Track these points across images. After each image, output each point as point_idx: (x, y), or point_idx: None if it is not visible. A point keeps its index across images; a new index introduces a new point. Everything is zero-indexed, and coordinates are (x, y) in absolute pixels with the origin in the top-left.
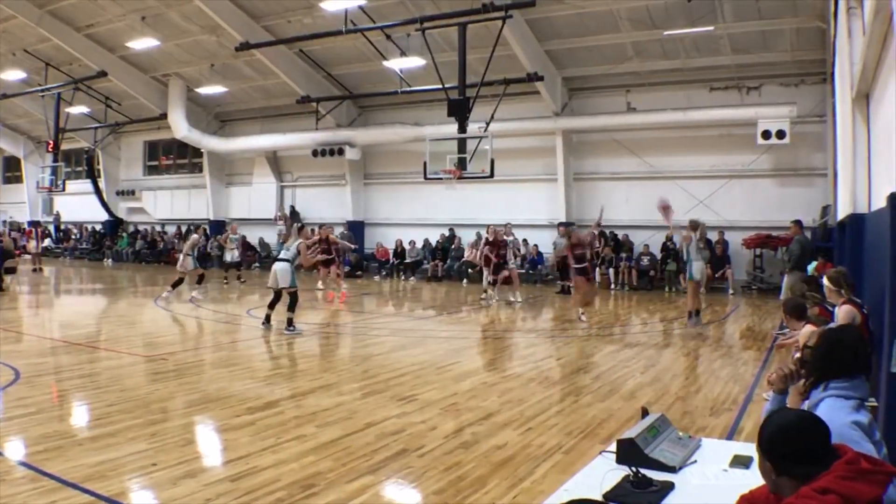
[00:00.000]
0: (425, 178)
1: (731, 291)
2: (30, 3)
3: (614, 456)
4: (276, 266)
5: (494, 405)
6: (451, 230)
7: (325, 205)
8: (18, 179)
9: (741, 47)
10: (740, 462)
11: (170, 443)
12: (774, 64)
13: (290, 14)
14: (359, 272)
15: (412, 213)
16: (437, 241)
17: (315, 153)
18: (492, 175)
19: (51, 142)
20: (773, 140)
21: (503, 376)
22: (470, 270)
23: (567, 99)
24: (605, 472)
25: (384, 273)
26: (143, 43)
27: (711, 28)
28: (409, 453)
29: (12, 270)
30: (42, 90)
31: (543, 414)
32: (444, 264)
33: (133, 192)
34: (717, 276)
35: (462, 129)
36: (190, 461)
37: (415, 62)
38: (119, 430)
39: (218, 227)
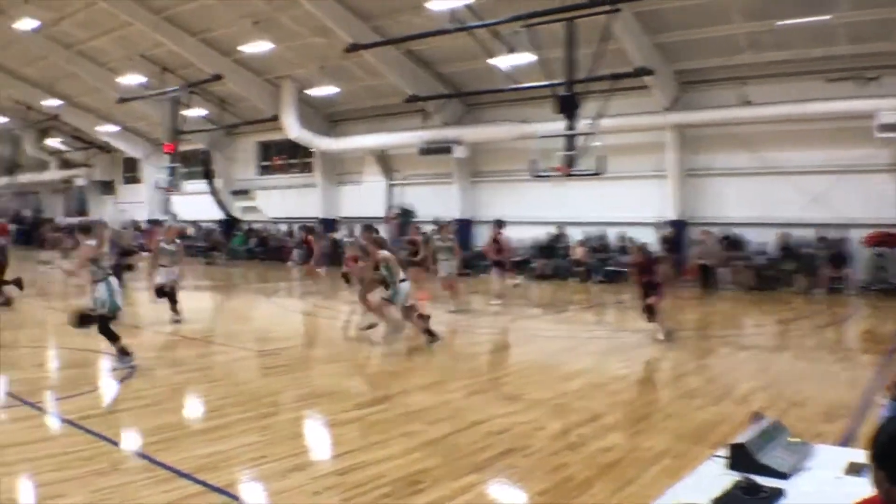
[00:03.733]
0: (533, 175)
1: (850, 292)
2: (147, 10)
3: (724, 461)
4: None
5: (602, 406)
6: (558, 228)
7: (433, 203)
8: (137, 180)
9: (859, 36)
10: (855, 470)
11: (280, 436)
12: (894, 53)
13: (397, 14)
14: (467, 271)
15: (519, 211)
16: (545, 240)
17: (423, 152)
18: (600, 172)
19: (168, 143)
20: (893, 133)
21: (611, 377)
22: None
23: (678, 93)
24: (714, 478)
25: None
26: (255, 46)
27: (828, 17)
28: (515, 453)
29: (131, 268)
30: (159, 94)
31: (652, 417)
32: (552, 262)
33: (247, 192)
34: (836, 276)
35: (570, 125)
36: (299, 454)
37: (522, 59)
38: (231, 422)
39: (329, 225)
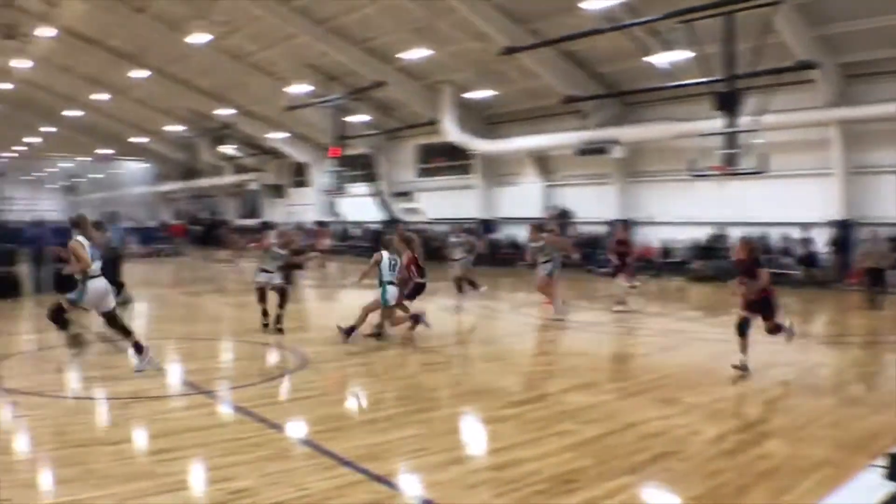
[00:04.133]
0: (692, 175)
1: None
2: (312, 22)
3: (883, 471)
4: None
5: (761, 413)
6: (718, 229)
7: (591, 204)
8: (305, 183)
9: None
10: None
11: (438, 430)
12: None
13: (551, 16)
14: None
15: (678, 212)
16: (704, 241)
17: (580, 152)
18: (762, 171)
19: (333, 148)
20: None
21: (770, 383)
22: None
23: (843, 87)
24: (871, 488)
25: (651, 273)
26: (415, 53)
27: None
28: (670, 456)
29: (299, 266)
30: (324, 101)
31: (813, 424)
32: (711, 264)
33: (408, 194)
34: None
35: (730, 123)
36: (456, 448)
37: (679, 55)
38: (392, 415)
39: (487, 226)
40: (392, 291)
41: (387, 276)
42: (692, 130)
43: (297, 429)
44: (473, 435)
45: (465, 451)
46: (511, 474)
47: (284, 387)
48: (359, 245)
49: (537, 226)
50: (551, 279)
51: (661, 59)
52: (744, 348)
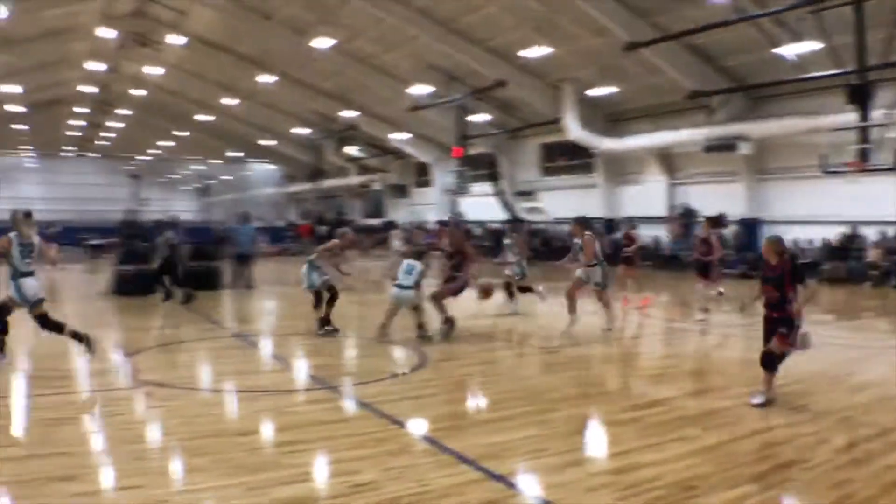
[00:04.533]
0: (823, 171)
1: None
2: (433, 23)
3: None
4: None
5: (892, 421)
6: (851, 228)
7: (717, 202)
8: (428, 183)
9: None
10: None
11: (558, 431)
12: None
13: (675, 9)
14: (753, 272)
15: (808, 210)
16: (836, 240)
17: (706, 149)
18: None
19: (456, 148)
20: None
21: None
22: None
23: None
24: None
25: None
26: (536, 51)
27: None
28: (795, 465)
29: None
30: (446, 102)
31: None
32: (844, 265)
33: (530, 193)
34: None
35: (863, 116)
36: (575, 450)
37: (808, 47)
38: (512, 414)
39: (609, 226)
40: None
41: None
42: (823, 125)
43: (418, 426)
44: (593, 437)
45: (585, 453)
46: (630, 479)
47: (406, 384)
48: (481, 245)
49: (582, 222)
50: (581, 285)
51: (790, 50)
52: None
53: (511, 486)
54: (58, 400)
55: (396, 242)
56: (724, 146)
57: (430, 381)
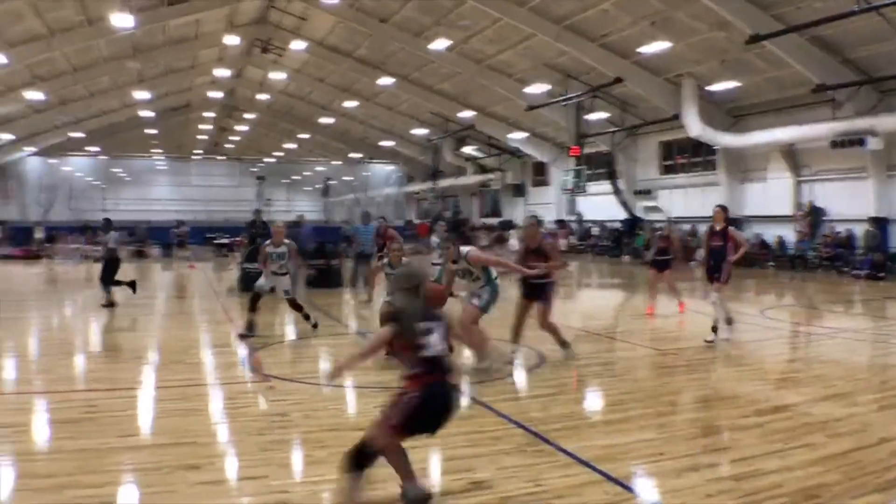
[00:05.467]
0: None
1: None
2: (548, 21)
3: None
4: None
5: None
6: None
7: (844, 200)
8: (545, 182)
9: None
10: None
11: (677, 435)
12: None
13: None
14: (881, 273)
15: None
16: None
17: (834, 144)
18: None
19: (573, 147)
20: None
21: None
22: None
23: None
24: None
25: None
26: (654, 47)
27: None
28: None
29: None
30: (563, 100)
31: None
32: None
33: (649, 192)
34: None
35: None
36: (695, 455)
37: None
38: (630, 417)
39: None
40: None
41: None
42: None
43: (535, 425)
44: (713, 442)
45: (705, 458)
46: (751, 486)
47: (523, 383)
48: (599, 244)
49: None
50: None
51: None
52: None
53: (628, 489)
54: (186, 391)
55: (513, 241)
56: (851, 141)
57: (547, 381)
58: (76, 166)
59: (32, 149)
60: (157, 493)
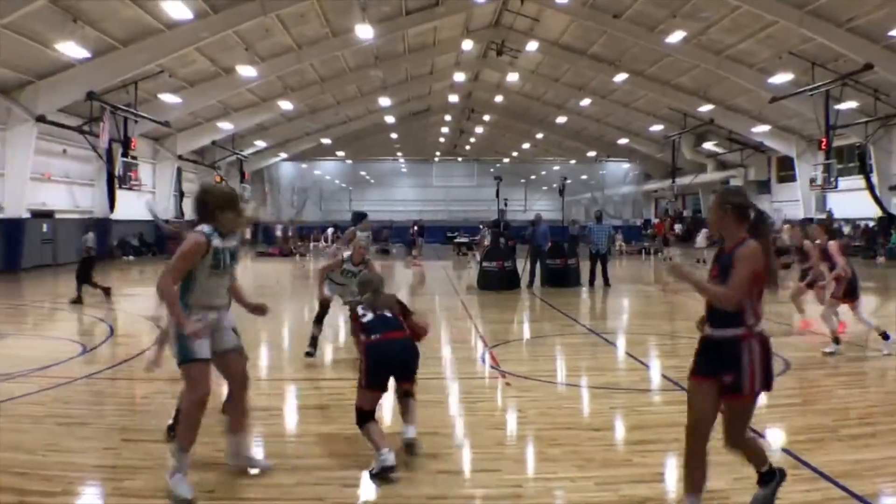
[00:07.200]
0: None
1: None
2: (790, 6)
3: None
4: None
5: None
6: None
7: None
8: (791, 178)
9: None
10: None
11: None
12: None
13: None
14: None
15: None
16: None
17: None
18: None
19: (822, 139)
20: None
21: None
22: None
23: None
24: None
25: None
26: None
27: None
28: None
29: (787, 266)
30: (809, 89)
31: None
32: None
33: None
34: None
35: None
36: None
37: None
38: (879, 431)
39: None
40: None
41: None
42: None
43: (776, 436)
44: None
45: None
46: None
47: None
48: (851, 244)
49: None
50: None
51: None
52: None
53: None
54: (428, 384)
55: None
56: None
57: (791, 390)
58: (325, 170)
59: (285, 154)
60: (400, 479)
